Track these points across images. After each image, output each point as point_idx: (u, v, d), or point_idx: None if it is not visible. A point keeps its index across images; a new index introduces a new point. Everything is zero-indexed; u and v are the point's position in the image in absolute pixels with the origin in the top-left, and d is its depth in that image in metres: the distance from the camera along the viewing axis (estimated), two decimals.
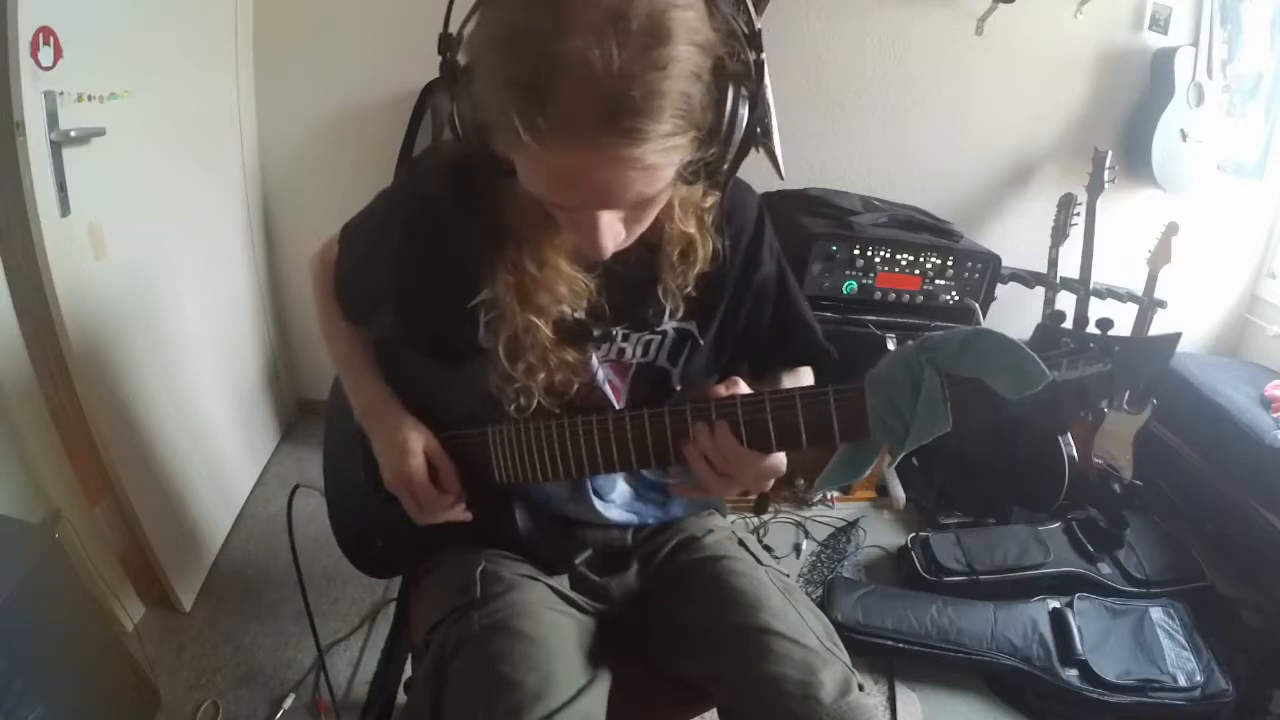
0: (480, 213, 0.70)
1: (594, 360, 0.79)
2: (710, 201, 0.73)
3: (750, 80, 0.56)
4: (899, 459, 0.62)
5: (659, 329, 0.80)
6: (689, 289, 0.77)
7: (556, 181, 0.57)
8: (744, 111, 0.56)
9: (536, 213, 0.66)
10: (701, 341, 0.83)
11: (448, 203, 0.73)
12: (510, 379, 0.74)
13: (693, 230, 0.73)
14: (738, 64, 0.56)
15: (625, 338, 0.80)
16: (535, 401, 0.75)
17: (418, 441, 0.81)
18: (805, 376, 0.91)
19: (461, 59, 0.57)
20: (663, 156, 0.54)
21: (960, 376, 0.58)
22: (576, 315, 0.75)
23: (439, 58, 0.58)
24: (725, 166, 0.59)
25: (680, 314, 0.79)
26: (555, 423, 0.74)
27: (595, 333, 0.77)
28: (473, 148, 0.58)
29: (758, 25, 0.56)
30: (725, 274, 0.78)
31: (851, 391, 0.62)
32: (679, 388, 0.83)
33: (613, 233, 0.61)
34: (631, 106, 0.50)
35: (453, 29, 0.57)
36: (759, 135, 0.58)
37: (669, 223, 0.72)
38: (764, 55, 0.56)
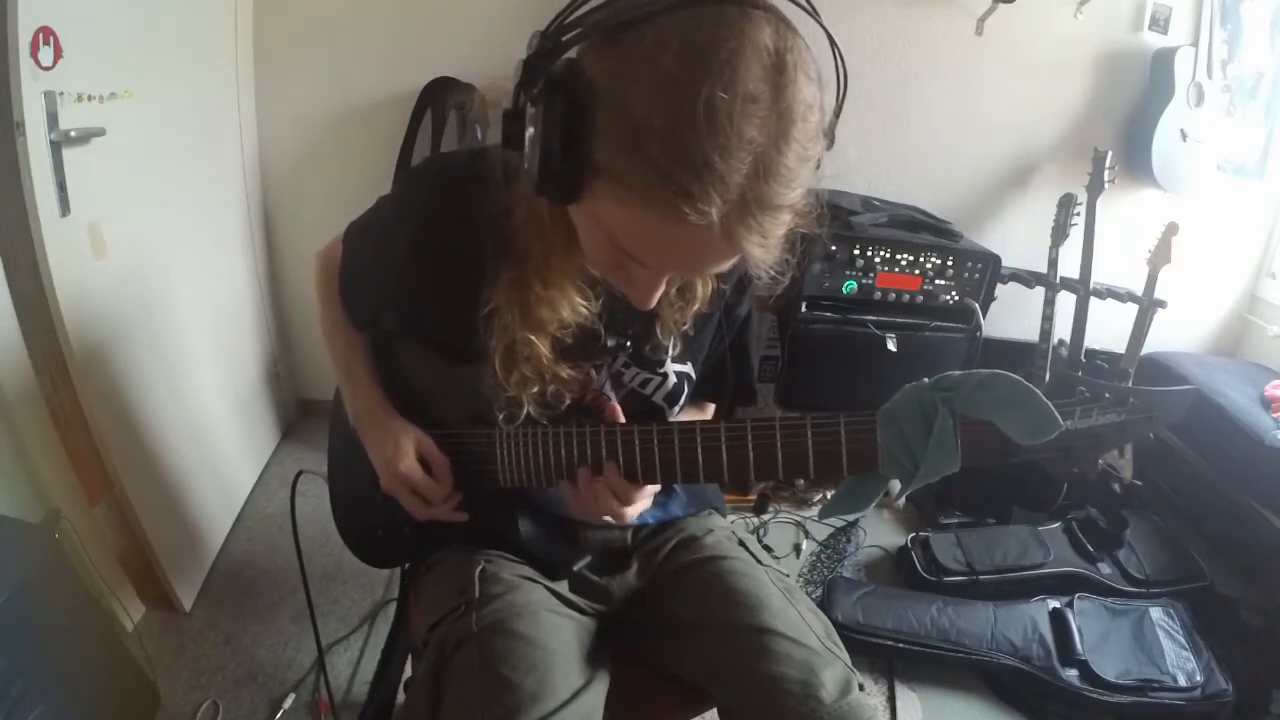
0: (485, 223, 0.69)
1: (601, 373, 0.79)
2: None
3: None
4: (905, 493, 0.61)
5: (660, 370, 0.81)
6: (686, 326, 0.77)
7: (652, 244, 0.55)
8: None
9: (551, 234, 0.65)
10: (695, 377, 0.84)
11: (452, 212, 0.72)
12: (502, 389, 0.74)
13: None
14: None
15: (626, 365, 0.80)
16: (525, 412, 0.75)
17: (409, 441, 0.82)
18: (708, 411, 0.93)
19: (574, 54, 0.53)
20: (759, 253, 0.56)
21: (974, 418, 0.58)
22: (589, 326, 0.75)
23: (537, 34, 0.52)
24: None
25: (678, 351, 0.80)
26: (564, 429, 0.74)
27: (610, 343, 0.77)
28: (512, 149, 0.55)
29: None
30: (718, 314, 0.81)
31: (863, 424, 0.62)
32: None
33: (663, 288, 0.62)
34: (768, 203, 0.52)
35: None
36: None
37: None
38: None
